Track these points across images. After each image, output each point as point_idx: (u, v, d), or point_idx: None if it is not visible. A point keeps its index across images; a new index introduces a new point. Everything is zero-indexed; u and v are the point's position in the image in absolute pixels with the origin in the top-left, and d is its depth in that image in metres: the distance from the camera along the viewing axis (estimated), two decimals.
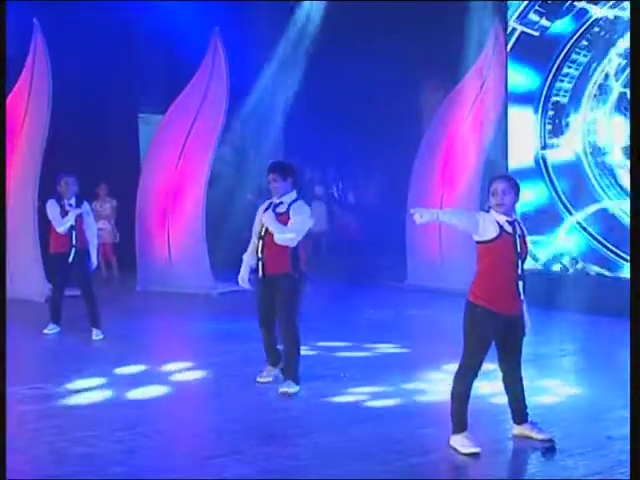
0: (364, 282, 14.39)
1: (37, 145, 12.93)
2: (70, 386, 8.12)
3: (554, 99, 12.02)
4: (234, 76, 13.51)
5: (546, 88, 12.09)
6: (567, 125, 11.97)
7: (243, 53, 14.76)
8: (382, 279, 14.48)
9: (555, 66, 11.99)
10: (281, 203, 7.83)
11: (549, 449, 6.21)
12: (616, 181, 11.43)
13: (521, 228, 6.25)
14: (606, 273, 11.57)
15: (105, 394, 7.86)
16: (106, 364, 9.00)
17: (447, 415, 6.34)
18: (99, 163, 14.88)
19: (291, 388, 7.80)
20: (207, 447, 6.50)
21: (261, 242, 7.83)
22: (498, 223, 6.10)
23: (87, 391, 7.96)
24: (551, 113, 12.12)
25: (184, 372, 8.84)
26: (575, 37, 11.78)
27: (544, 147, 12.17)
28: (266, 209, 7.87)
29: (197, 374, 8.68)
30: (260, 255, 7.83)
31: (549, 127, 12.14)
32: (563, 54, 11.91)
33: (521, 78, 12.40)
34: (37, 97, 12.96)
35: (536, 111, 12.24)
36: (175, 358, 9.34)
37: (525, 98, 12.35)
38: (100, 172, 14.83)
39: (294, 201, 7.85)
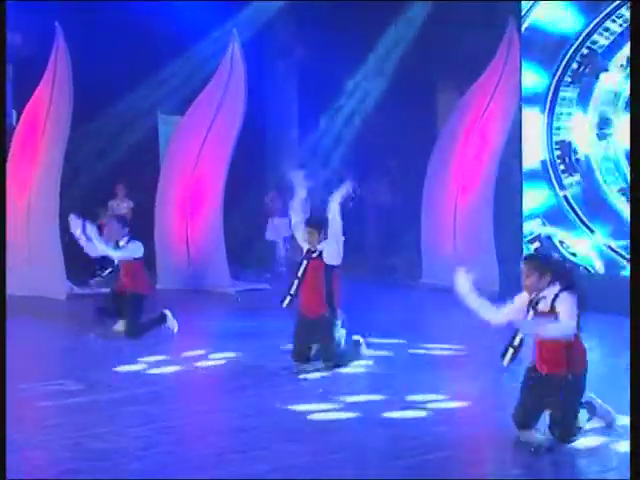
0: (379, 280, 14.43)
1: (59, 146, 13.03)
2: (89, 382, 8.21)
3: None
4: (250, 77, 13.61)
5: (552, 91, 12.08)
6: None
7: (258, 54, 14.86)
8: (397, 278, 14.53)
9: (562, 66, 11.96)
10: (315, 251, 8.62)
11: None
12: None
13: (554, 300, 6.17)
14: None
15: (124, 390, 7.95)
16: (124, 361, 9.11)
17: (461, 413, 6.40)
18: (118, 163, 14.99)
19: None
20: (226, 443, 6.58)
21: (297, 281, 8.63)
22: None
23: (106, 387, 8.06)
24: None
25: (202, 369, 8.94)
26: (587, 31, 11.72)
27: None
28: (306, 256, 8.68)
29: (215, 371, 8.77)
30: (298, 294, 8.63)
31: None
32: (570, 53, 11.87)
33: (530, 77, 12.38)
34: (59, 98, 13.07)
35: (543, 111, 12.20)
36: (193, 355, 9.43)
37: (534, 99, 12.35)
38: (119, 172, 14.94)
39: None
